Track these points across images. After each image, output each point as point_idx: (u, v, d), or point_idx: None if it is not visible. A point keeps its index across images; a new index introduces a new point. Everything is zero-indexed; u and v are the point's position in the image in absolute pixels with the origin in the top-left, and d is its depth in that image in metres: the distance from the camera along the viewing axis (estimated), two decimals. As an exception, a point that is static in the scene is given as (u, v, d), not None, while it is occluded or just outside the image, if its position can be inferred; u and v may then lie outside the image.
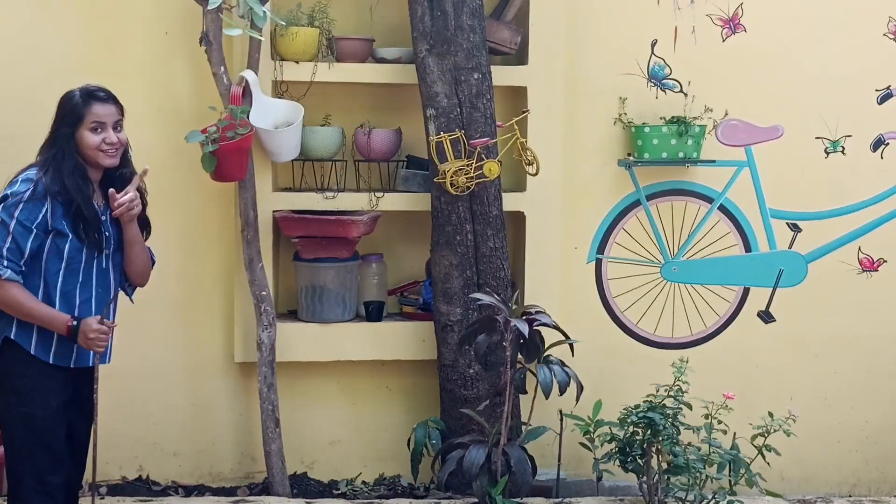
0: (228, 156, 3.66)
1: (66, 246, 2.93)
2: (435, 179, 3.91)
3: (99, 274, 3.03)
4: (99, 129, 2.96)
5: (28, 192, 2.87)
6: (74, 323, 2.90)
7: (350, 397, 4.26)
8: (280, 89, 4.02)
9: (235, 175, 3.75)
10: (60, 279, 2.94)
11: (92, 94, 2.98)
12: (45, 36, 3.99)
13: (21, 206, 2.87)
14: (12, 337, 2.92)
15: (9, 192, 2.90)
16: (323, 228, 3.97)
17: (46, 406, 2.94)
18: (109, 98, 3.01)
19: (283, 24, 3.87)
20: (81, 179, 2.96)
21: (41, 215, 2.89)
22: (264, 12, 3.50)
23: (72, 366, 3.00)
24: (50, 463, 2.95)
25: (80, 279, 2.98)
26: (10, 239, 2.85)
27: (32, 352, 2.93)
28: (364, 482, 4.26)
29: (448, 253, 3.96)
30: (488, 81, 3.94)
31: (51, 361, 2.95)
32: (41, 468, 2.94)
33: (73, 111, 2.96)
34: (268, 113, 3.87)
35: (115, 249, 3.08)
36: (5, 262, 2.85)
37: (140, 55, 4.03)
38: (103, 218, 3.02)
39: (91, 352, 3.00)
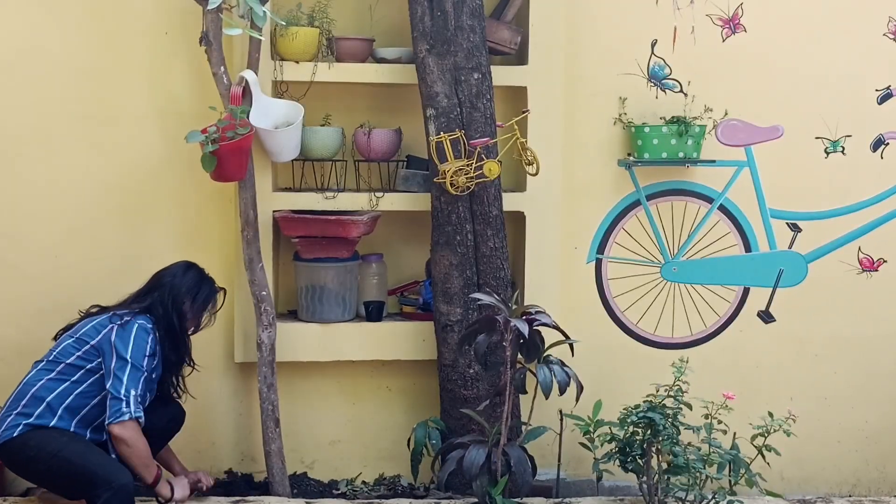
0: (228, 156, 3.66)
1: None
2: (435, 179, 3.91)
3: None
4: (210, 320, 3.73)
5: (150, 345, 3.42)
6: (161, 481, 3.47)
7: (350, 397, 4.26)
8: (280, 89, 4.02)
9: (235, 175, 3.75)
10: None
11: (221, 290, 3.73)
12: (45, 36, 3.99)
13: (148, 354, 3.40)
14: (51, 425, 3.31)
15: (132, 339, 3.38)
16: (323, 228, 3.97)
17: (62, 439, 3.31)
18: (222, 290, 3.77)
19: (283, 24, 3.87)
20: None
21: (154, 362, 3.48)
22: (264, 12, 3.49)
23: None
24: (109, 461, 3.31)
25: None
26: (141, 386, 3.34)
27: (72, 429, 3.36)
28: (364, 482, 4.26)
29: (448, 253, 3.96)
30: (488, 81, 3.94)
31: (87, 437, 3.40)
32: (107, 471, 3.25)
33: (213, 301, 3.67)
34: (268, 113, 3.87)
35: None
36: (136, 407, 3.32)
37: (140, 55, 4.03)
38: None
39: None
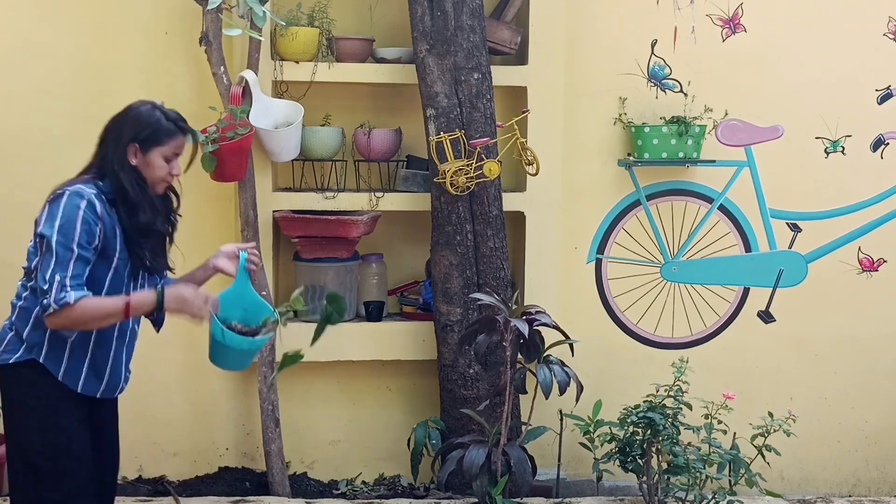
0: (228, 156, 3.66)
1: (116, 263, 2.75)
2: (435, 179, 3.91)
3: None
4: (171, 160, 2.79)
5: (86, 212, 2.65)
6: (159, 289, 2.72)
7: (350, 397, 4.26)
8: (280, 89, 4.02)
9: (235, 175, 3.75)
10: (105, 290, 2.74)
11: (178, 122, 2.80)
12: (45, 36, 3.99)
13: (80, 227, 2.63)
14: (41, 360, 2.71)
15: (60, 212, 2.65)
16: (323, 228, 3.97)
17: (71, 430, 2.73)
18: (189, 129, 2.84)
19: (283, 24, 3.87)
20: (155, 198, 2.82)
21: (97, 236, 2.67)
22: (264, 12, 3.50)
23: (98, 396, 2.81)
24: (74, 490, 2.74)
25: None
26: (72, 268, 2.61)
27: (60, 378, 2.72)
28: (364, 482, 4.26)
29: (448, 253, 3.96)
30: (488, 81, 3.94)
31: (78, 390, 2.75)
32: (64, 496, 2.72)
33: (155, 133, 2.77)
34: (268, 113, 3.87)
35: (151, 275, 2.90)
36: (62, 293, 2.59)
37: (140, 55, 4.03)
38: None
39: (118, 383, 2.86)
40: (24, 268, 2.82)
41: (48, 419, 2.73)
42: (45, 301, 2.61)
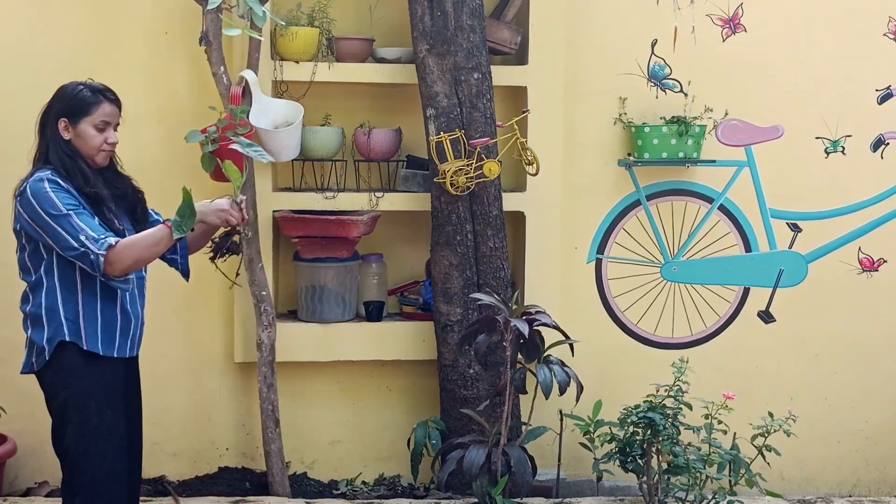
0: (228, 156, 3.65)
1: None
2: (435, 179, 3.91)
3: None
4: (103, 129, 2.88)
5: (51, 185, 2.76)
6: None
7: (350, 397, 4.26)
8: (280, 89, 4.02)
9: (235, 175, 3.74)
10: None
11: (103, 92, 2.90)
12: (45, 36, 3.99)
13: (55, 195, 2.74)
14: (67, 339, 2.80)
15: (32, 200, 2.75)
16: (323, 228, 3.97)
17: (104, 415, 2.83)
18: (117, 99, 2.94)
19: (283, 23, 3.87)
20: (92, 171, 2.88)
21: (75, 197, 2.79)
22: (264, 12, 3.49)
23: (127, 355, 2.92)
24: (110, 473, 2.85)
25: None
26: (80, 224, 2.72)
27: (87, 347, 2.81)
28: (364, 482, 4.26)
29: (448, 253, 3.96)
30: (488, 81, 3.94)
31: (115, 355, 2.87)
32: (100, 479, 2.83)
33: (80, 105, 2.85)
34: (268, 113, 3.86)
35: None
36: (98, 242, 2.71)
37: (140, 55, 4.03)
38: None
39: (135, 342, 2.96)
40: (23, 279, 2.89)
41: (81, 402, 2.81)
42: (91, 258, 2.71)
